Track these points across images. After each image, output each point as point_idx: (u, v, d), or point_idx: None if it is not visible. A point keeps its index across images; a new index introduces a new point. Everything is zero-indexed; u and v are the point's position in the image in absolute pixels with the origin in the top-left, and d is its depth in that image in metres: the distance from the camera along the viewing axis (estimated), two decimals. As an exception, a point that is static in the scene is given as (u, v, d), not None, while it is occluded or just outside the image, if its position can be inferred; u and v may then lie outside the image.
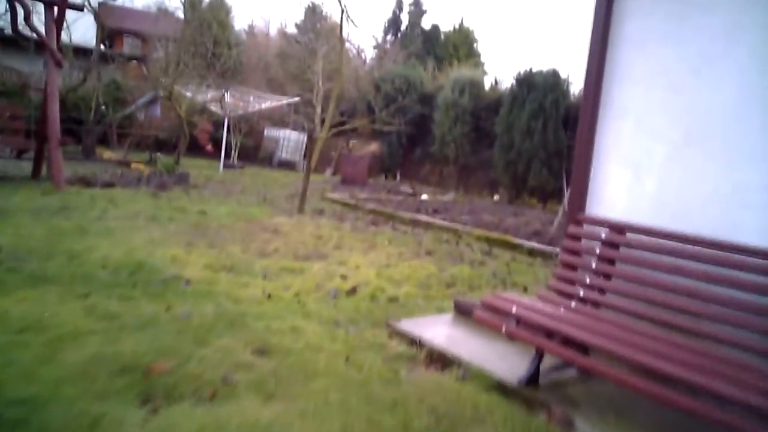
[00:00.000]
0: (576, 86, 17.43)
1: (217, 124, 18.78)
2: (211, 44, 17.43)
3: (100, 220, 7.14)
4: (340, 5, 8.96)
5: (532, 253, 7.98)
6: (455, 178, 20.51)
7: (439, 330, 4.33)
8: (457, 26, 35.47)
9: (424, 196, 13.83)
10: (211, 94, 15.39)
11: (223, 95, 14.37)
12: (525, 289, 5.98)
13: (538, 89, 17.07)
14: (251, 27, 33.30)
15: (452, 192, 15.17)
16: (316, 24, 27.73)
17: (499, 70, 52.26)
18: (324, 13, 28.91)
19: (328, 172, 20.78)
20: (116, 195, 9.32)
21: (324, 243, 7.27)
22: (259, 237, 7.25)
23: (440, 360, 3.75)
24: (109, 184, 10.51)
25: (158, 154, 12.10)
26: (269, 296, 4.84)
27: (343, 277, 5.68)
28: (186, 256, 5.82)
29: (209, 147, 15.38)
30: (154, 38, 21.84)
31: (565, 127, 16.95)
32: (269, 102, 18.12)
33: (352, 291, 5.21)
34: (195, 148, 19.90)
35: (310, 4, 29.53)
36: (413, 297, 5.27)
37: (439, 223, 9.54)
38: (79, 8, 9.67)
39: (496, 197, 15.07)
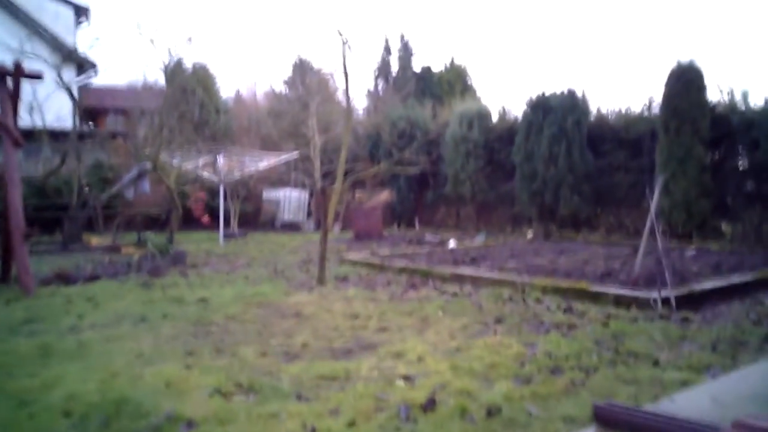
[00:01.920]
0: (596, 104, 16.12)
1: (213, 193, 17.37)
2: (197, 109, 16.17)
3: (72, 332, 5.52)
4: (341, 36, 7.66)
5: (620, 302, 6.34)
6: (474, 217, 18.98)
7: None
8: (448, 65, 34.59)
9: (452, 244, 12.25)
10: (202, 160, 13.99)
11: (215, 159, 12.93)
12: (656, 363, 4.33)
13: (556, 112, 15.72)
14: (238, 94, 32.38)
15: (481, 234, 13.60)
16: (305, 78, 26.72)
17: (502, 100, 51.72)
18: (312, 68, 27.97)
19: (337, 228, 19.24)
20: (99, 291, 7.72)
21: (363, 325, 5.63)
22: (279, 327, 5.61)
23: None
24: (92, 278, 8.92)
25: (147, 233, 10.61)
26: (313, 433, 3.20)
27: (408, 380, 4.04)
28: (185, 376, 4.18)
29: (205, 218, 13.88)
30: (136, 113, 20.69)
31: (590, 148, 15.52)
32: (266, 161, 16.72)
33: (430, 404, 3.56)
34: (190, 221, 18.41)
35: (298, 60, 28.62)
36: (518, 401, 3.62)
37: (488, 276, 7.92)
38: (38, 77, 8.30)
39: (529, 235, 13.51)
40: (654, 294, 6.24)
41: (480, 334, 5.22)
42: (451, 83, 34.23)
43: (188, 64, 24.57)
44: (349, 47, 7.36)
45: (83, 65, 25.24)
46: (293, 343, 5.01)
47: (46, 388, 3.99)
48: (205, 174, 14.55)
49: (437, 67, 35.07)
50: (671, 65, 13.87)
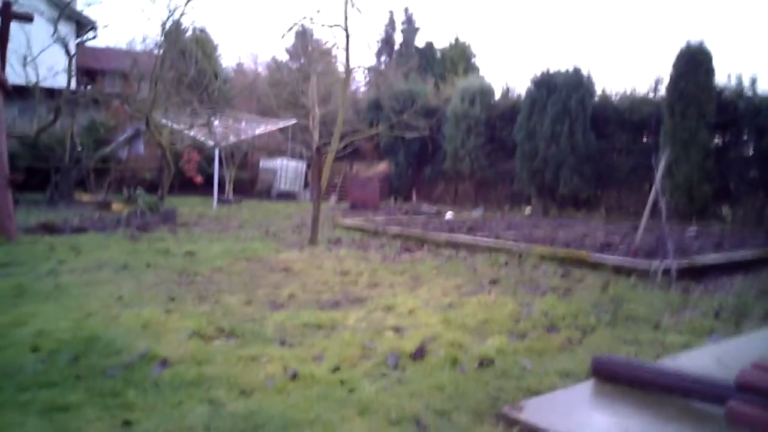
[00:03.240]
0: (601, 84, 15.81)
1: (208, 160, 17.06)
2: (194, 70, 15.79)
3: (50, 276, 5.30)
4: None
5: (620, 270, 6.16)
6: (472, 194, 18.76)
7: (596, 420, 2.50)
8: (452, 42, 34.16)
9: (449, 215, 12.04)
10: (197, 122, 13.66)
11: (210, 120, 12.58)
12: (656, 326, 4.14)
13: (560, 90, 15.42)
14: (239, 65, 31.91)
15: (480, 208, 13.38)
16: (308, 47, 26.28)
17: (506, 78, 51.01)
18: (314, 37, 27.51)
19: (333, 199, 19.01)
20: (84, 241, 7.50)
21: (353, 281, 5.43)
22: (267, 280, 5.41)
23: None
24: (79, 230, 8.71)
25: (138, 189, 10.37)
26: (294, 377, 3.01)
27: (397, 330, 3.85)
28: (164, 319, 3.98)
29: (198, 178, 13.58)
30: (134, 75, 20.30)
31: (593, 129, 15.27)
32: (263, 127, 16.42)
33: (420, 353, 3.37)
34: (185, 186, 18.17)
35: (301, 28, 28.12)
36: (511, 354, 3.43)
37: (485, 243, 7.72)
38: (27, 18, 7.99)
39: (527, 210, 13.30)
40: (655, 264, 6.06)
41: (474, 292, 5.03)
42: (454, 61, 33.86)
43: (188, 27, 24.22)
44: (353, 4, 7.07)
45: (82, 24, 24.79)
46: (280, 294, 4.81)
47: (16, 324, 3.79)
48: (201, 137, 14.24)
49: (441, 44, 34.66)
50: (680, 46, 13.62)
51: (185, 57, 20.94)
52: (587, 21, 51.72)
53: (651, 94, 15.12)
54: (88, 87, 26.12)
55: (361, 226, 9.82)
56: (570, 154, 14.99)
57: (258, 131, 16.11)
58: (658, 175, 6.88)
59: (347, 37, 8.10)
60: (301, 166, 21.79)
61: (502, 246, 7.38)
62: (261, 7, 53.05)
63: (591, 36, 48.89)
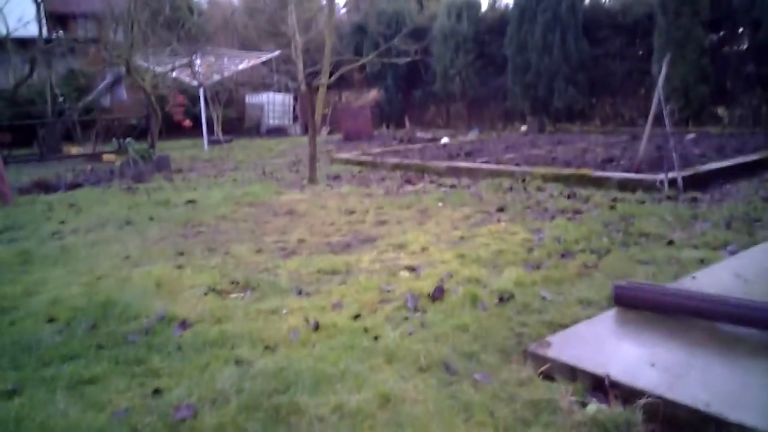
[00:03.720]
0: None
1: (193, 99, 16.62)
2: (168, 8, 15.13)
3: (54, 238, 5.24)
4: None
5: (625, 186, 6.11)
6: (465, 115, 18.51)
7: (624, 350, 2.50)
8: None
9: (445, 140, 11.88)
10: (178, 63, 13.20)
11: (191, 60, 12.14)
12: (670, 242, 4.13)
13: (549, -4, 14.88)
14: None
15: (474, 130, 13.19)
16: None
17: None
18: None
19: (324, 131, 18.73)
20: (81, 198, 7.39)
21: (360, 219, 5.38)
22: (273, 225, 5.36)
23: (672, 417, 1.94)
24: (74, 186, 8.58)
25: (128, 139, 10.13)
26: (317, 327, 3.00)
27: (412, 270, 3.82)
28: (177, 276, 3.94)
29: (186, 122, 13.27)
30: (107, 16, 19.47)
31: (585, 36, 14.85)
32: (246, 61, 15.92)
33: (438, 293, 3.35)
34: (173, 130, 17.82)
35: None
36: (530, 287, 3.42)
37: (486, 168, 7.63)
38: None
39: (523, 128, 13.11)
40: (660, 176, 6.01)
41: (483, 222, 4.99)
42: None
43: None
44: None
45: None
46: (289, 240, 4.76)
47: (28, 294, 3.75)
48: (184, 77, 13.82)
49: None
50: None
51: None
52: None
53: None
54: (61, 33, 25.23)
55: (358, 159, 9.69)
56: (563, 64, 14.66)
57: (241, 66, 15.63)
58: (660, 80, 6.70)
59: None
60: (288, 99, 21.34)
61: (504, 170, 7.30)
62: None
63: None
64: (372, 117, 16.09)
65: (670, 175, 5.94)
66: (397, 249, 4.28)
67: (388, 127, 19.53)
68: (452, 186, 6.81)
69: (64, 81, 18.11)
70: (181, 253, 4.53)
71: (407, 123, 16.00)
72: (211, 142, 15.36)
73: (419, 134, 12.70)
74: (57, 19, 24.58)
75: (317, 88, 7.52)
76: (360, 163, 9.47)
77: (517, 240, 4.35)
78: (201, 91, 14.25)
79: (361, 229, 5.00)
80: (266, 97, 21.24)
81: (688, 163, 6.97)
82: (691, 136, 10.49)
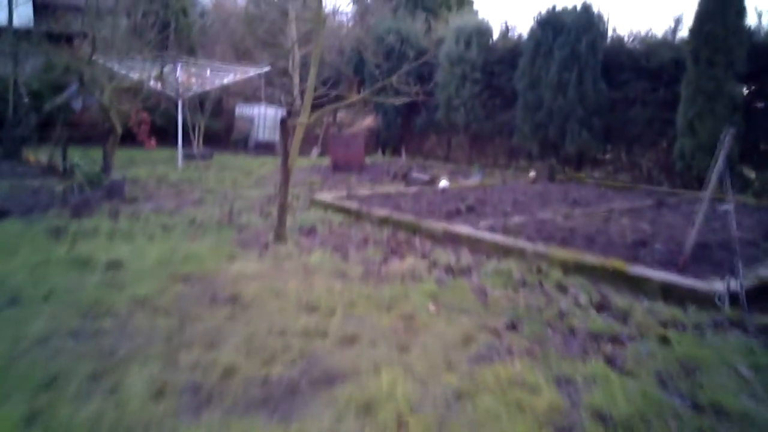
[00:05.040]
0: (614, 25, 14.00)
1: (167, 117, 15.11)
2: (159, 8, 13.76)
3: None
4: None
5: (670, 294, 4.72)
6: (467, 148, 17.18)
7: None
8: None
9: (444, 183, 10.51)
10: (154, 71, 11.79)
11: (163, 72, 10.68)
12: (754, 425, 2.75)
13: (568, 32, 13.63)
14: None
15: (476, 172, 11.82)
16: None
17: (502, 14, 46.43)
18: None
19: (315, 152, 17.37)
20: (-12, 241, 5.95)
21: (322, 326, 3.94)
22: (202, 325, 3.93)
23: None
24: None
25: (76, 158, 8.75)
26: None
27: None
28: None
29: (152, 142, 11.79)
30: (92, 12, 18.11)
31: (604, 77, 13.59)
32: (232, 75, 14.55)
33: None
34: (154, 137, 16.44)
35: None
36: None
37: (491, 240, 6.23)
38: None
39: (532, 173, 11.78)
40: (716, 285, 4.65)
41: (488, 354, 3.59)
42: (447, -6, 31.36)
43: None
44: None
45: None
46: (212, 365, 3.33)
47: None
48: (159, 87, 12.42)
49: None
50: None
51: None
52: None
53: (670, 37, 13.38)
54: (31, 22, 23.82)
55: (341, 204, 8.29)
56: (578, 106, 13.37)
57: (226, 80, 14.24)
58: (722, 157, 5.37)
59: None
60: (281, 113, 19.98)
61: (513, 247, 5.92)
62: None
63: None
64: (366, 142, 14.71)
65: (731, 284, 4.58)
66: (362, 413, 2.86)
67: (383, 152, 18.18)
68: (448, 269, 5.40)
69: (38, 76, 16.70)
70: (52, 381, 3.11)
71: (403, 154, 14.63)
72: (188, 158, 13.95)
73: (415, 174, 11.31)
74: (39, 8, 23.21)
75: (294, 128, 6.12)
76: (342, 211, 8.08)
77: (541, 407, 2.95)
78: (179, 103, 12.85)
79: (318, 351, 3.58)
80: (257, 110, 19.90)
81: (742, 257, 5.61)
82: (726, 207, 9.13)
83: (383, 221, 7.36)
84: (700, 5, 11.66)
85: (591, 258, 5.44)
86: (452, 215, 7.71)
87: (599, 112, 13.45)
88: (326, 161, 14.83)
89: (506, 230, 6.74)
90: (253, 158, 16.25)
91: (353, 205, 8.17)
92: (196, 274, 5.00)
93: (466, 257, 5.84)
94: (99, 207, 7.93)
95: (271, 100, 19.92)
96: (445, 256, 5.88)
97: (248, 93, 21.16)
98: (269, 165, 14.38)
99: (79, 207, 7.70)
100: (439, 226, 6.85)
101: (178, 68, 12.80)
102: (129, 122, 11.57)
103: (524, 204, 8.84)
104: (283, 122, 5.94)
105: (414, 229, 6.96)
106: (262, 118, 19.71)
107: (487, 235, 6.39)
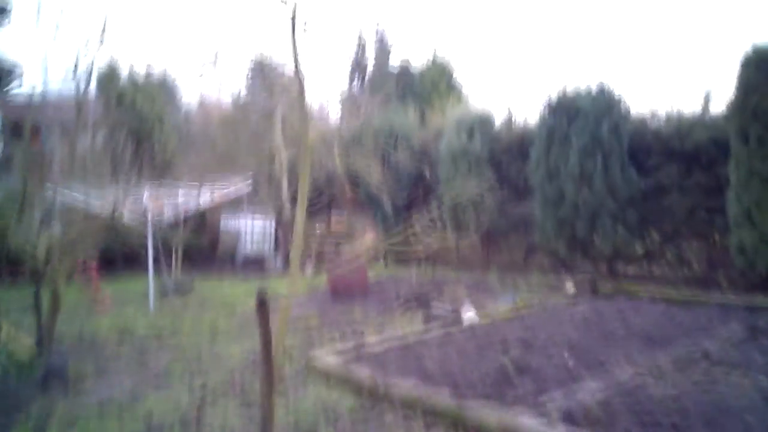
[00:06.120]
0: (637, 106, 12.45)
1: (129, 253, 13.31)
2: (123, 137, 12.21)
3: None
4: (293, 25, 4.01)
5: None
6: (479, 249, 15.34)
7: None
8: (430, 60, 30.92)
9: (470, 315, 8.53)
10: (120, 199, 10.05)
11: (115, 205, 8.85)
12: None
13: (585, 116, 12.11)
14: (202, 98, 27.97)
15: (506, 292, 9.87)
16: (268, 80, 22.77)
17: (497, 100, 44.94)
18: (275, 67, 23.94)
19: (309, 269, 15.46)
20: None
21: None
22: None
23: None
24: None
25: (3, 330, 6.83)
26: None
27: None
28: None
29: (106, 300, 9.66)
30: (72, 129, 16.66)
31: (632, 163, 11.96)
32: (209, 196, 12.89)
33: None
34: (130, 260, 14.58)
35: (258, 56, 24.48)
36: None
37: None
38: None
39: (569, 286, 9.86)
40: None
41: None
42: (435, 81, 30.61)
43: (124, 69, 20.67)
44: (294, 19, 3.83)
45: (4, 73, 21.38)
46: None
47: None
48: (126, 216, 10.64)
49: (417, 63, 31.39)
50: (743, 50, 10.34)
51: (124, 107, 17.54)
52: (591, 29, 44.11)
53: (703, 114, 11.83)
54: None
55: (348, 375, 6.25)
56: (608, 198, 11.65)
57: (203, 201, 12.55)
58: None
59: (301, 84, 4.69)
60: (269, 224, 18.29)
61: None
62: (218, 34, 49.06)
63: (594, 47, 41.80)
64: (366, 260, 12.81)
65: None
66: None
67: (385, 260, 16.31)
68: None
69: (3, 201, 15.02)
70: None
71: (414, 275, 12.69)
72: (162, 293, 12.00)
73: (435, 304, 9.34)
74: (13, 127, 21.92)
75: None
76: (351, 385, 6.04)
77: None
78: (149, 232, 11.03)
79: None
80: (244, 223, 18.21)
81: None
82: None
83: (410, 404, 5.33)
84: (741, 76, 10.17)
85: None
86: (499, 383, 5.70)
87: (633, 203, 11.73)
88: (322, 281, 12.84)
89: (588, 417, 4.72)
90: (238, 283, 14.32)
91: (364, 372, 6.14)
92: None
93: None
94: (27, 408, 5.88)
95: (257, 210, 18.22)
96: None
97: (233, 201, 19.52)
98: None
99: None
100: (492, 417, 4.82)
101: (146, 194, 11.08)
102: (78, 270, 9.59)
103: (584, 347, 6.83)
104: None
105: (456, 421, 4.93)
106: (249, 230, 18.00)
107: (567, 435, 4.35)
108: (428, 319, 8.27)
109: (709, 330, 7.46)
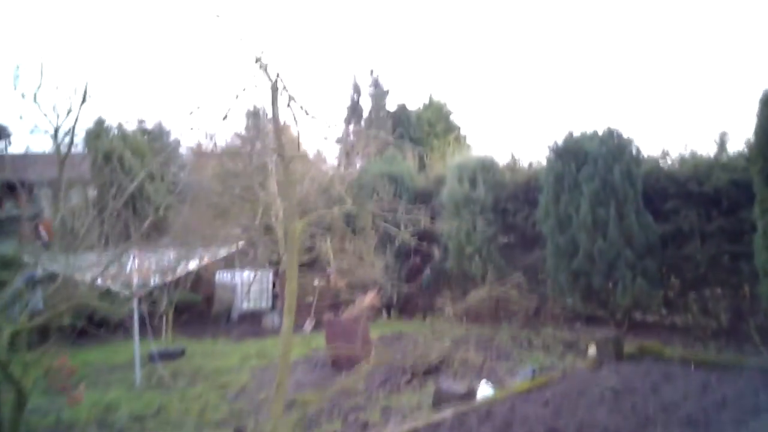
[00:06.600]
0: (646, 147, 11.72)
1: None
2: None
3: None
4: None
5: None
6: (488, 302, 14.48)
7: None
8: (427, 102, 30.67)
9: (486, 391, 7.70)
10: (104, 268, 9.31)
11: (100, 274, 8.05)
12: None
13: (595, 161, 11.44)
14: (198, 146, 27.43)
15: (525, 366, 8.96)
16: (262, 130, 22.32)
17: (498, 144, 44.45)
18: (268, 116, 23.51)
19: (308, 326, 14.65)
20: None
21: None
22: None
23: None
24: None
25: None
26: None
27: None
28: None
29: (78, 394, 8.70)
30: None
31: (647, 208, 11.26)
32: (198, 260, 12.18)
33: None
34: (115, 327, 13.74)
35: (252, 108, 24.11)
36: None
37: None
38: None
39: (591, 351, 9.01)
40: None
41: None
42: (432, 123, 30.29)
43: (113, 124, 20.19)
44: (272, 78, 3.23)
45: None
46: None
47: None
48: (109, 285, 9.88)
49: (413, 105, 31.11)
50: (761, 88, 9.74)
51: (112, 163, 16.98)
52: (586, 71, 43.67)
53: (719, 155, 11.19)
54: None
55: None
56: (625, 247, 10.90)
57: (192, 266, 11.83)
58: None
59: (282, 150, 4.01)
60: (266, 277, 17.52)
61: None
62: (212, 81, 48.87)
63: (596, 87, 41.29)
64: (368, 319, 11.97)
65: None
66: None
67: (389, 314, 15.50)
68: None
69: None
70: None
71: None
72: (150, 364, 11.15)
73: (444, 380, 8.47)
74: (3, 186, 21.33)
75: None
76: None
77: None
78: (135, 303, 10.25)
79: None
80: (239, 277, 17.44)
81: None
82: None
83: None
84: (761, 115, 9.51)
85: None
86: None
87: (651, 251, 10.98)
88: (321, 341, 11.95)
89: None
90: (233, 344, 13.49)
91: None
92: None
93: None
94: None
95: (253, 264, 17.46)
96: None
97: (228, 256, 18.78)
98: (252, 359, 11.62)
99: None
100: None
101: (132, 260, 10.35)
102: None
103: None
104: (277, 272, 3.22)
105: None
106: (245, 285, 17.23)
107: None
108: (439, 399, 7.43)
109: (757, 408, 6.60)
